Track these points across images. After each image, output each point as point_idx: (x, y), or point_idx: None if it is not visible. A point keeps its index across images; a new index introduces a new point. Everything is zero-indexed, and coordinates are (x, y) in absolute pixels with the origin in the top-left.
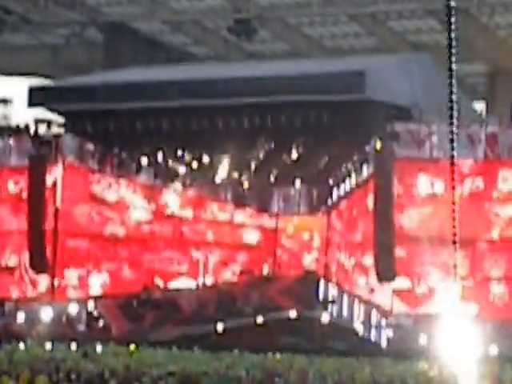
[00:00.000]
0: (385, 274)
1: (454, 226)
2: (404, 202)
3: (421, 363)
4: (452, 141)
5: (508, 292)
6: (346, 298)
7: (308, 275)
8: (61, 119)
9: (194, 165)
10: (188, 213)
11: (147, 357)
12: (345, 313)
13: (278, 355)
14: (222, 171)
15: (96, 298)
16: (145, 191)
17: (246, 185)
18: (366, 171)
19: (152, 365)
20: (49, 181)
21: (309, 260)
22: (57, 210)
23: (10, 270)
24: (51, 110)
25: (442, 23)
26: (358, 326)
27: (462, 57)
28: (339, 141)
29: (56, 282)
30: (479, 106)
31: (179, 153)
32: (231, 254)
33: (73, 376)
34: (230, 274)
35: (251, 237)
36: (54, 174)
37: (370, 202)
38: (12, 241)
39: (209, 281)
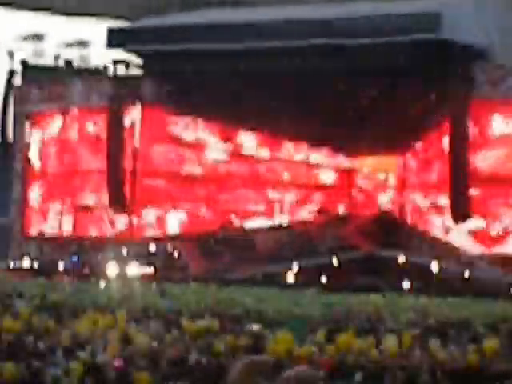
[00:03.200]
0: (460, 214)
1: None
2: (479, 143)
3: (497, 303)
4: None
5: None
6: (421, 238)
7: (383, 215)
8: (139, 60)
9: (271, 105)
10: (264, 153)
11: (225, 295)
12: (421, 252)
13: (353, 295)
14: (299, 112)
15: (174, 237)
16: (221, 132)
17: (322, 126)
18: (441, 112)
19: (230, 303)
20: (127, 122)
21: (384, 200)
22: (135, 150)
23: (89, 209)
24: (130, 51)
25: None
26: (434, 266)
27: None
28: (415, 82)
29: (134, 221)
30: None
31: (256, 93)
32: (307, 194)
33: (151, 313)
34: (305, 214)
35: (327, 177)
36: (133, 115)
37: (445, 143)
38: (91, 181)
39: (284, 220)
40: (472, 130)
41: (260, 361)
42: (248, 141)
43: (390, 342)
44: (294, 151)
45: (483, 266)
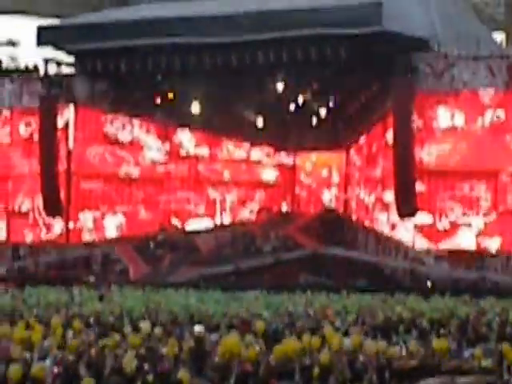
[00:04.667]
0: (406, 209)
1: None
2: (424, 136)
3: (445, 300)
4: None
5: None
6: (367, 234)
7: (327, 212)
8: (71, 59)
9: (209, 103)
10: (204, 152)
11: (166, 299)
12: (366, 250)
13: (298, 294)
14: (238, 109)
15: (112, 241)
16: (159, 131)
17: (262, 122)
18: (385, 105)
19: (171, 307)
20: (60, 122)
21: (328, 197)
22: (69, 151)
23: (23, 215)
24: (61, 49)
25: None
26: (380, 263)
27: None
28: (357, 75)
29: (71, 225)
30: (499, 37)
31: (193, 91)
32: (249, 193)
33: (91, 320)
34: (247, 213)
35: (269, 174)
36: (66, 115)
37: (389, 136)
38: (25, 185)
39: (226, 220)
40: (417, 123)
41: None
42: (186, 139)
43: (337, 342)
44: (235, 149)
45: (430, 261)
